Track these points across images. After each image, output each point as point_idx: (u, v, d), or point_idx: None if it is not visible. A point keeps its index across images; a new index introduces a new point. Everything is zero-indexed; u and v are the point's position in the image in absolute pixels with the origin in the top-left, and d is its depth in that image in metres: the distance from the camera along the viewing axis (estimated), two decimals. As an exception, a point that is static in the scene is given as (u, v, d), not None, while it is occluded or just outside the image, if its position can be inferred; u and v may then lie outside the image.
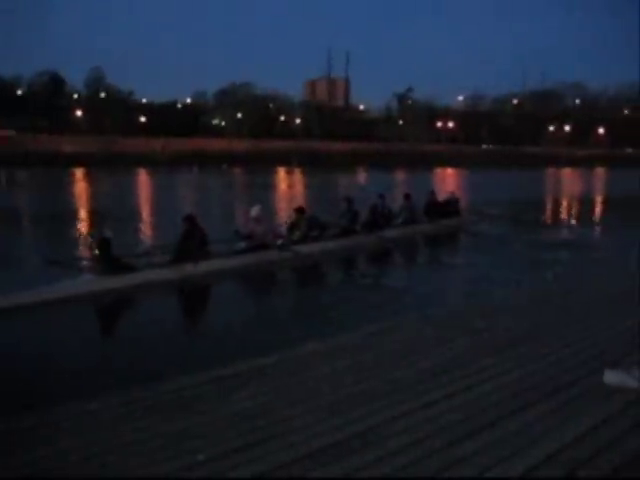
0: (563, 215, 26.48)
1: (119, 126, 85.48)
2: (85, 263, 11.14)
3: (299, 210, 14.06)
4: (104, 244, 10.33)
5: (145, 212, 24.27)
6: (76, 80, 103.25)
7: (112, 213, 20.93)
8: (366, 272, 13.30)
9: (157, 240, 14.69)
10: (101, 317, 9.61)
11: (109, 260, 10.30)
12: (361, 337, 6.50)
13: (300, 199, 29.17)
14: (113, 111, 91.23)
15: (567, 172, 71.97)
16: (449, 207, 18.83)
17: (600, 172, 71.75)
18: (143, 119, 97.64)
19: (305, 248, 13.07)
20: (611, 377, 4.80)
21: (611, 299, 8.04)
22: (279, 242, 12.89)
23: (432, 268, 13.58)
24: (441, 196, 19.63)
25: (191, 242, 11.28)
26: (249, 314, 9.30)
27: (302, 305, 10.17)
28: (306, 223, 13.65)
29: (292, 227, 13.74)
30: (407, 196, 17.65)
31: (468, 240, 17.43)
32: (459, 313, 7.71)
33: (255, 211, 12.84)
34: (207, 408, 4.56)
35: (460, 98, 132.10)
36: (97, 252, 10.47)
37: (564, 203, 31.71)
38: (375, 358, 5.66)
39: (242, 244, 12.41)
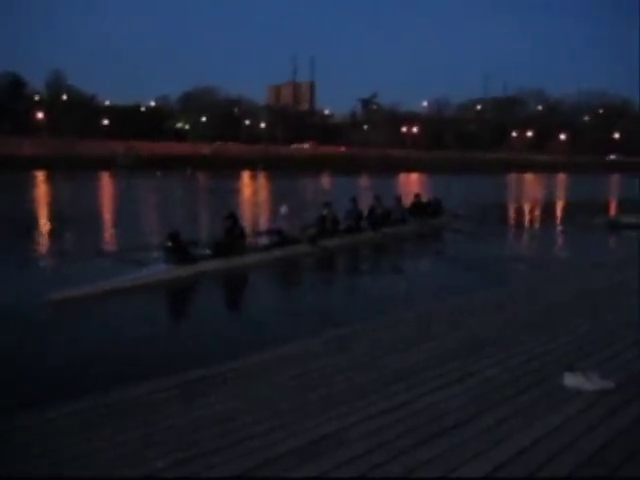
0: (524, 217, 27.22)
1: (81, 129, 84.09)
2: (138, 255, 12.45)
3: (327, 204, 15.78)
4: (175, 237, 11.55)
5: (110, 217, 24.03)
6: (37, 83, 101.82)
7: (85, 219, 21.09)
8: (382, 262, 15.29)
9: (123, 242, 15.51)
10: (182, 299, 10.99)
11: (180, 251, 11.51)
12: (326, 341, 6.50)
13: (266, 204, 29.25)
14: (75, 114, 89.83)
15: (529, 177, 72.99)
16: (433, 208, 20.49)
17: (561, 178, 72.90)
18: (106, 122, 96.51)
19: (327, 242, 14.76)
20: (570, 380, 4.89)
21: (571, 302, 8.18)
22: (307, 235, 14.49)
23: (431, 258, 15.45)
24: (409, 199, 20.84)
25: (233, 236, 12.71)
26: (297, 298, 10.81)
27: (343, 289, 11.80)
28: (331, 217, 15.46)
29: (321, 221, 15.30)
30: (398, 198, 19.39)
31: (451, 236, 18.88)
32: (424, 316, 7.76)
33: (284, 210, 14.44)
34: (170, 414, 4.52)
35: (424, 104, 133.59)
36: (169, 244, 11.53)
37: (525, 206, 32.22)
38: (340, 362, 5.66)
39: (274, 238, 13.92)
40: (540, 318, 7.24)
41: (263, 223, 18.06)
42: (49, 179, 46.46)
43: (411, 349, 6.03)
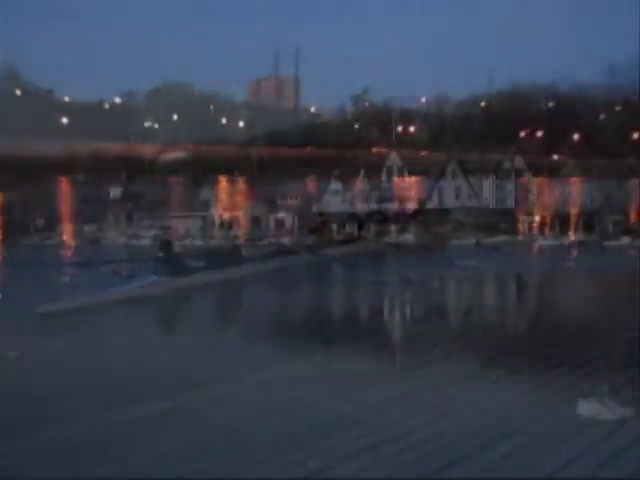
0: (536, 225, 27.29)
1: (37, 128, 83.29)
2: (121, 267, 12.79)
3: (321, 213, 16.69)
4: (167, 247, 11.87)
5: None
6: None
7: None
8: (384, 273, 15.14)
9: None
10: (170, 316, 10.90)
11: (173, 262, 11.74)
12: (310, 366, 6.45)
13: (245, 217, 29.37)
14: (31, 111, 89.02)
15: (537, 182, 73.19)
16: (439, 214, 21.32)
17: (576, 182, 73.17)
18: (65, 120, 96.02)
19: (327, 252, 15.28)
20: (585, 408, 4.88)
21: (581, 324, 8.19)
22: (306, 244, 15.16)
23: (439, 270, 15.07)
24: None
25: (227, 246, 13.17)
26: (293, 318, 10.82)
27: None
28: (326, 227, 16.10)
29: (313, 230, 16.03)
30: (402, 204, 20.68)
31: (457, 246, 18.88)
32: (417, 339, 7.76)
33: (281, 216, 15.35)
34: (118, 454, 4.45)
35: (423, 100, 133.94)
36: (161, 254, 11.80)
37: (537, 213, 32.17)
38: (322, 390, 5.63)
39: (272, 248, 14.52)
40: (547, 340, 7.25)
41: (257, 232, 18.34)
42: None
43: (404, 374, 6.00)
